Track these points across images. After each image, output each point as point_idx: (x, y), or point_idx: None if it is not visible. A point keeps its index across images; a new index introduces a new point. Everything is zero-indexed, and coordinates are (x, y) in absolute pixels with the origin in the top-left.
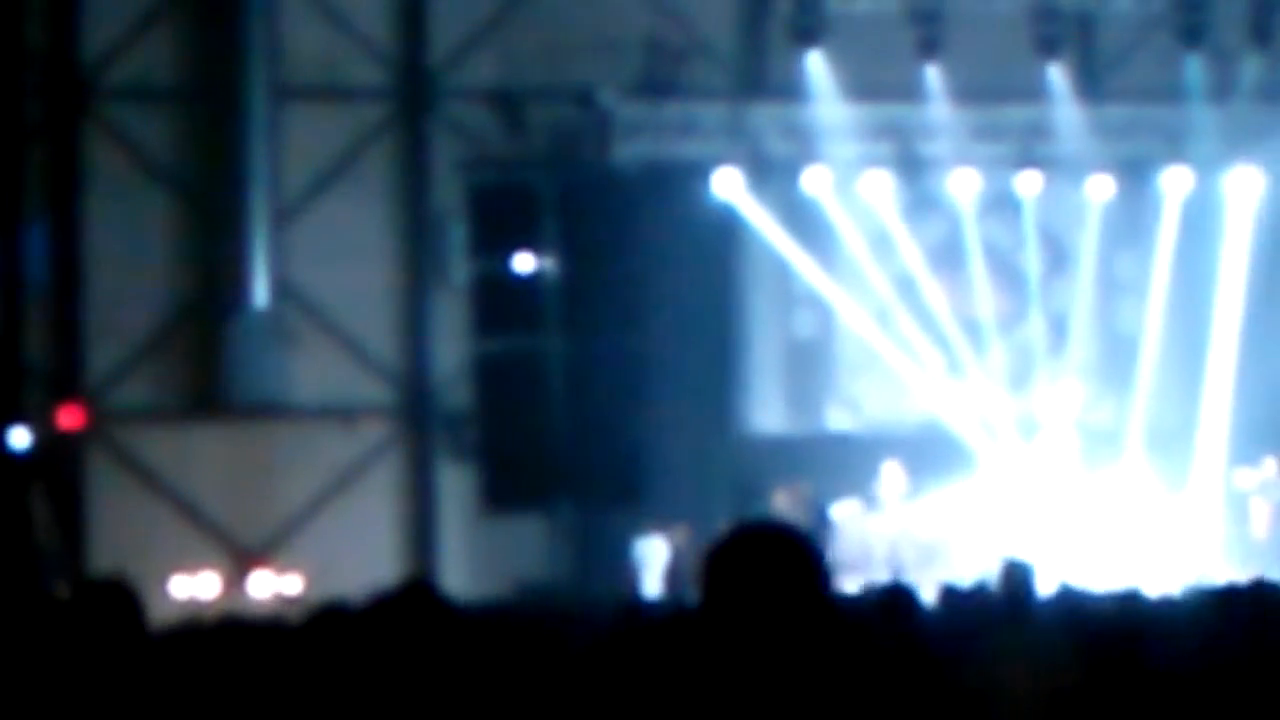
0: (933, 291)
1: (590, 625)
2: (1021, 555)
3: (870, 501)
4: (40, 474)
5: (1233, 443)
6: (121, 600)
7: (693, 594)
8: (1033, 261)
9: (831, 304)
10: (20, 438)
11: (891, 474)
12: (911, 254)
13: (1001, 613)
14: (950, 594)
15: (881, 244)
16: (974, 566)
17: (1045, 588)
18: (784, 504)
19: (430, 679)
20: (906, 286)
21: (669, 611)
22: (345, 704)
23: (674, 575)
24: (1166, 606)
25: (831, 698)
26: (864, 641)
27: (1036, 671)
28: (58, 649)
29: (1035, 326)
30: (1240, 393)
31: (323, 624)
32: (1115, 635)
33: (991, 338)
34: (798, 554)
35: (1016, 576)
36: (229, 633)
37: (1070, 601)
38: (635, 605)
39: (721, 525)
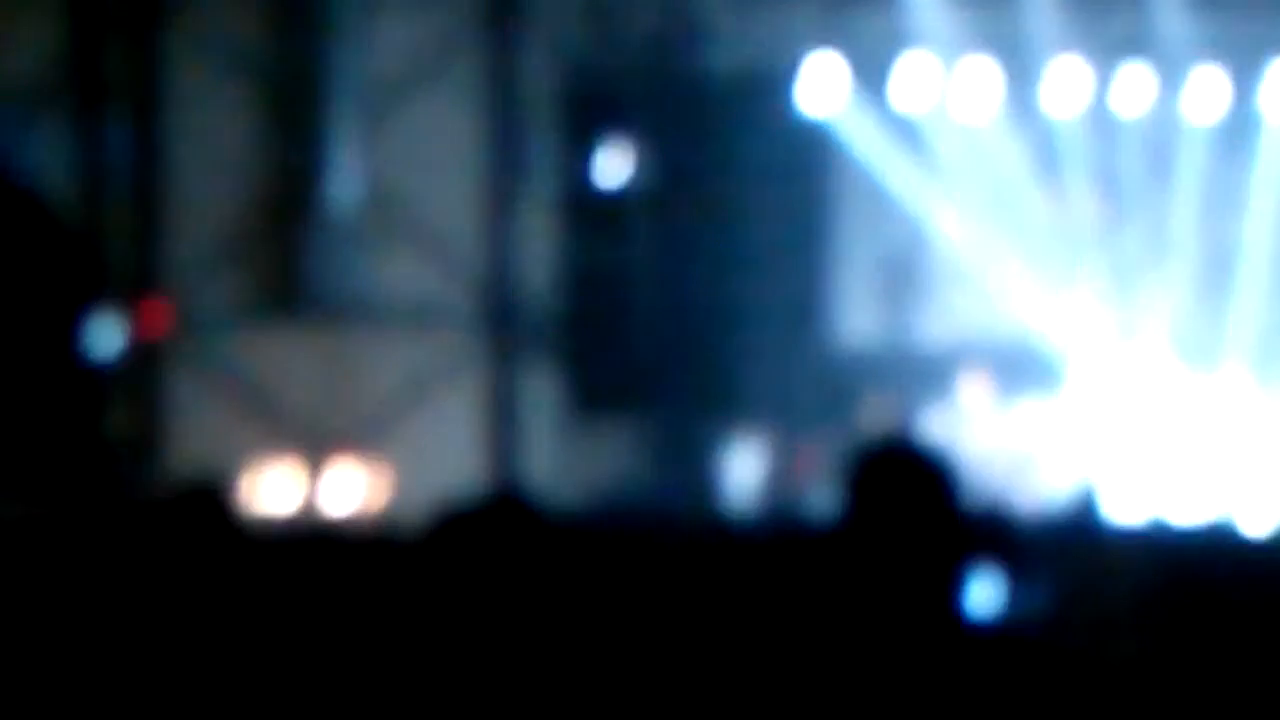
0: (1030, 201)
1: (684, 535)
2: (1095, 479)
3: (961, 412)
4: (121, 373)
5: None
6: (213, 501)
7: (782, 501)
8: (1132, 171)
9: (926, 213)
10: (103, 336)
11: (973, 384)
12: (1009, 163)
13: (1069, 537)
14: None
15: (978, 153)
16: (1065, 480)
17: (1136, 512)
18: (877, 414)
19: (525, 591)
20: (1003, 196)
21: (763, 523)
22: (440, 614)
23: (765, 485)
24: (1266, 545)
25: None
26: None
27: (1103, 593)
28: (150, 550)
29: (1135, 238)
30: None
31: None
32: (1198, 565)
33: (1090, 249)
34: (940, 475)
35: (1083, 502)
36: (317, 539)
37: (1157, 534)
38: (727, 516)
39: (811, 433)
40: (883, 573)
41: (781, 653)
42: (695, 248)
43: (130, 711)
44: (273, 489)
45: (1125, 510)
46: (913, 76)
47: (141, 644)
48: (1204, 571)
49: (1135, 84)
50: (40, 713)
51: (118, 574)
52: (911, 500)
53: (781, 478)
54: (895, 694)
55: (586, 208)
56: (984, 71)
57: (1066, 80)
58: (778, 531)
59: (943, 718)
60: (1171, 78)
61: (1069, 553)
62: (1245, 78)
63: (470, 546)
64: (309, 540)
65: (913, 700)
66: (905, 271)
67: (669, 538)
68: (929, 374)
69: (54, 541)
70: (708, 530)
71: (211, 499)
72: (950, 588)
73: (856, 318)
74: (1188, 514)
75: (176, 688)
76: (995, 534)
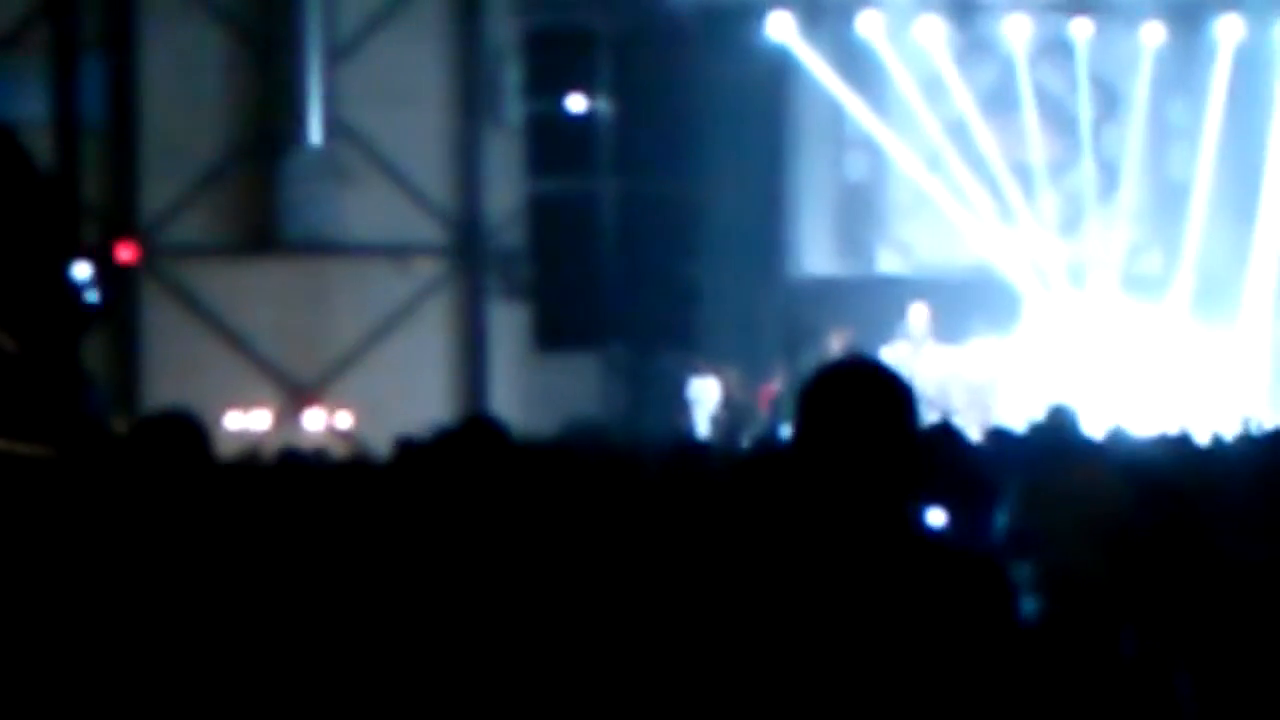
0: (984, 136)
1: (648, 461)
2: (1067, 399)
3: (917, 344)
4: (97, 309)
5: None
6: (187, 432)
7: (743, 431)
8: (1084, 107)
9: (883, 147)
10: (82, 271)
11: (917, 315)
12: (963, 98)
13: (1046, 454)
14: (997, 436)
15: (934, 88)
16: (1022, 410)
17: (1095, 431)
18: (837, 346)
19: (494, 512)
20: (958, 131)
21: (724, 451)
22: (412, 537)
23: (724, 415)
24: (1218, 450)
25: (911, 527)
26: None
27: (1084, 512)
28: (124, 480)
29: (1086, 172)
30: None
31: (396, 461)
32: (1166, 477)
33: (1042, 183)
34: (891, 391)
35: (1060, 419)
36: (292, 467)
37: (1121, 444)
38: (692, 443)
39: (772, 366)
40: (836, 487)
41: (733, 568)
42: (657, 180)
43: (113, 649)
44: (248, 420)
45: (1090, 428)
46: (871, 14)
47: (124, 576)
48: (1167, 476)
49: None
50: (35, 649)
51: (99, 505)
52: (863, 415)
53: (743, 410)
54: (851, 605)
55: (551, 141)
56: (939, 10)
57: (1019, 18)
58: (736, 453)
59: (902, 628)
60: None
61: (1046, 468)
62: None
63: (441, 466)
64: (283, 466)
65: (869, 610)
66: (865, 204)
67: (630, 460)
68: (889, 306)
69: (34, 476)
70: (667, 452)
71: (185, 428)
72: (904, 502)
73: (817, 251)
74: (1145, 428)
75: (158, 620)
76: (952, 458)
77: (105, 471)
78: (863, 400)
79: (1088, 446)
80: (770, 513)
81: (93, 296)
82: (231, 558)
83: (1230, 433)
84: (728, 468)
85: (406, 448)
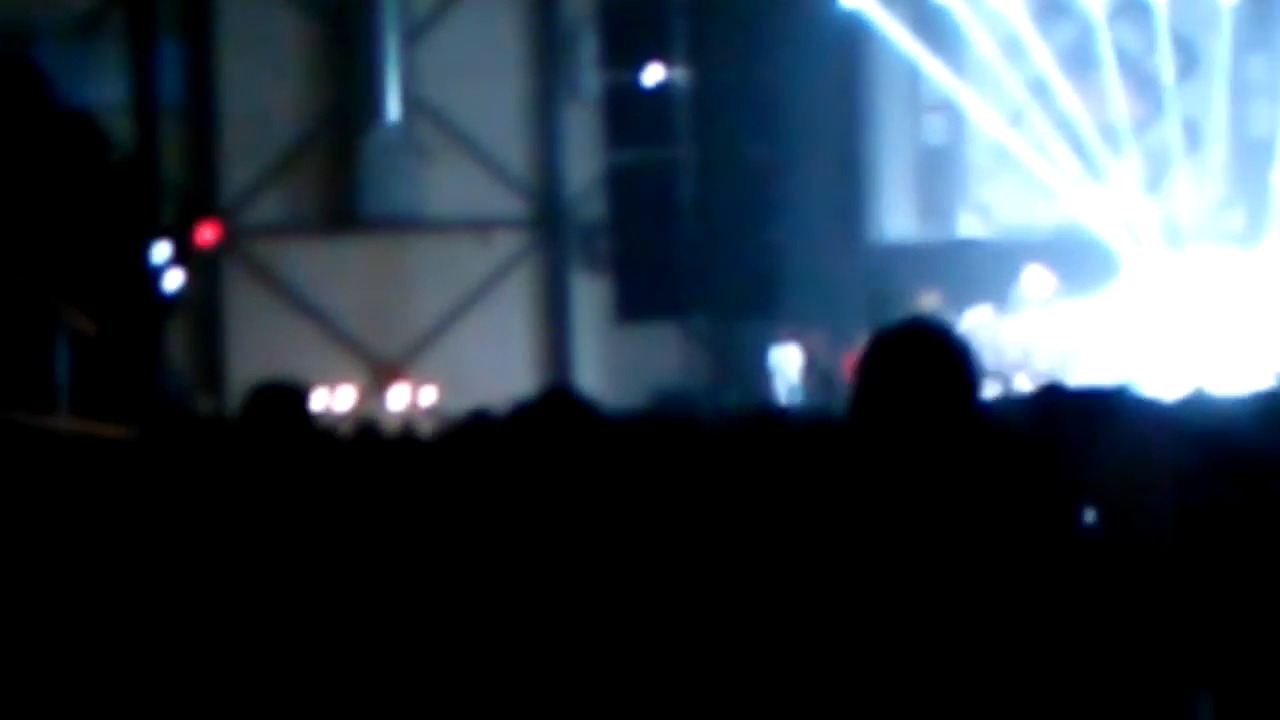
0: (1066, 95)
1: (729, 429)
2: (1149, 364)
3: (1004, 307)
4: (176, 294)
5: None
6: (294, 401)
7: (829, 398)
8: (1164, 65)
9: (961, 110)
10: (162, 252)
11: (1035, 277)
12: (1043, 57)
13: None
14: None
15: (1012, 48)
16: (1107, 373)
17: (1176, 394)
18: (927, 309)
19: (574, 482)
20: (1039, 90)
21: (807, 416)
22: (490, 509)
23: (809, 381)
24: None
25: (975, 499)
26: (1010, 445)
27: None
28: (226, 456)
29: (1169, 130)
30: None
31: (468, 433)
32: (1249, 440)
33: (1126, 141)
34: (950, 353)
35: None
36: (368, 442)
37: (1199, 407)
38: (773, 410)
39: (856, 332)
40: (891, 451)
41: (800, 537)
42: (735, 149)
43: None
44: (333, 398)
45: (1167, 390)
46: None
47: (210, 550)
48: (1250, 438)
49: None
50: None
51: (181, 483)
52: (918, 377)
53: (827, 377)
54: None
55: (628, 112)
56: None
57: None
58: (817, 419)
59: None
60: None
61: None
62: None
63: (519, 438)
64: (357, 440)
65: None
66: (944, 167)
67: (707, 430)
68: (971, 269)
69: (114, 457)
70: (746, 419)
71: (288, 398)
72: (959, 465)
73: (897, 215)
74: (1230, 385)
75: (236, 589)
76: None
77: (186, 450)
78: (919, 362)
79: (1143, 412)
80: (842, 477)
81: (173, 280)
82: (329, 521)
83: None
84: (808, 434)
85: (479, 420)
